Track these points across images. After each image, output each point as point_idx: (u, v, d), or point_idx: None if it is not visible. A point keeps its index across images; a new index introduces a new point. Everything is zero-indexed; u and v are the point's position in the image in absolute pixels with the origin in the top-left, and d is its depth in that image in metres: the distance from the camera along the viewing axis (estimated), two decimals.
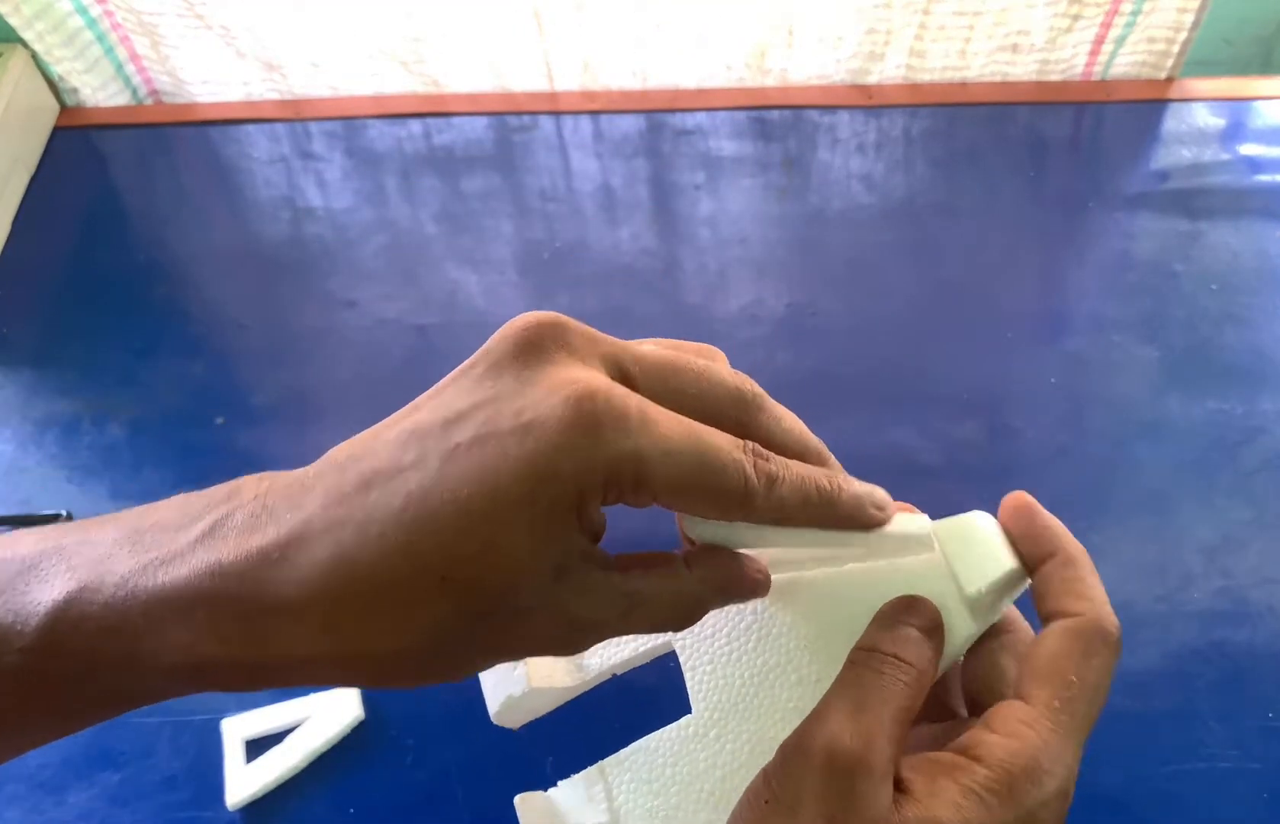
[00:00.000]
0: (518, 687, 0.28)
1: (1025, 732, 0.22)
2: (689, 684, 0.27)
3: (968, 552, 0.25)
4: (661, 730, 0.27)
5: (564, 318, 0.23)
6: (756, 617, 0.27)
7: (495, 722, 0.30)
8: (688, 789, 0.26)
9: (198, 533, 0.21)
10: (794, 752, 0.22)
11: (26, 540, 0.22)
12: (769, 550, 0.26)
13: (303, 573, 0.20)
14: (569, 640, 0.22)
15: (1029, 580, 0.25)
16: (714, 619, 0.28)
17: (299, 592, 0.20)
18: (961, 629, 0.25)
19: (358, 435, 0.22)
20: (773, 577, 0.26)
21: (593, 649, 0.27)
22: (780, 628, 0.26)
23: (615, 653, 0.29)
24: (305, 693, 0.42)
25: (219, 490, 0.22)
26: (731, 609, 0.27)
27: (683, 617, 0.24)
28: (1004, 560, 0.25)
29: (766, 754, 0.23)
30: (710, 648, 0.28)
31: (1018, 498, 0.26)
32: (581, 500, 0.20)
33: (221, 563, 0.20)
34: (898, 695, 0.23)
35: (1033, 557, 0.25)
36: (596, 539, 0.22)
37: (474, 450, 0.20)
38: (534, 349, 0.22)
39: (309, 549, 0.20)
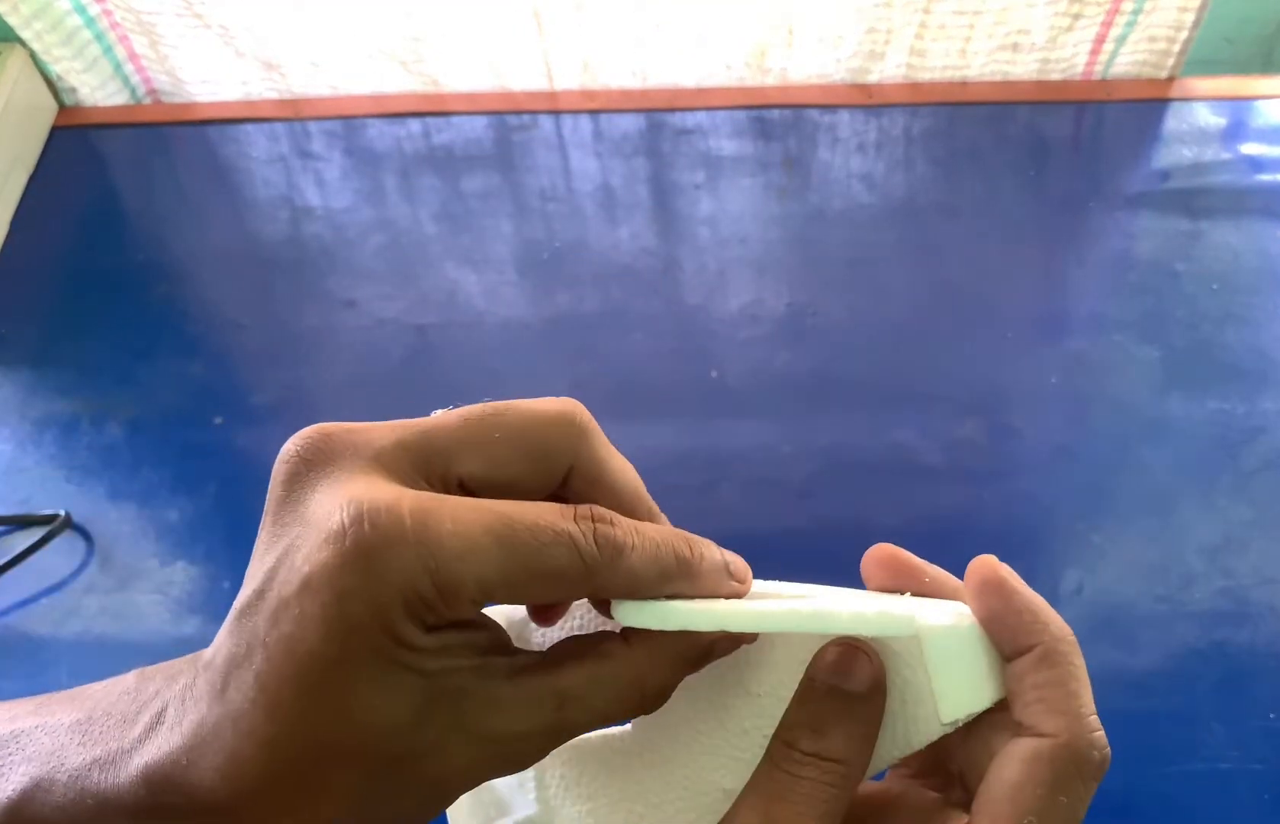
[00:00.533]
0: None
1: None
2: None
3: (951, 668, 0.21)
4: (598, 734, 0.25)
5: (327, 428, 0.21)
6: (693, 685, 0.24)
7: None
8: (615, 805, 0.24)
9: (140, 730, 0.19)
10: None
11: None
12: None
13: (209, 778, 0.18)
14: (503, 760, 0.20)
15: None
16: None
17: (213, 796, 0.18)
18: (926, 730, 0.21)
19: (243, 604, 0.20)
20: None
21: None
22: (734, 667, 0.23)
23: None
24: None
25: (169, 669, 0.20)
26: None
27: (634, 703, 0.21)
28: (988, 693, 0.21)
29: (697, 797, 0.22)
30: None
31: (987, 570, 0.21)
32: (394, 633, 0.18)
33: (153, 769, 0.19)
34: (820, 800, 0.20)
35: (1005, 647, 0.21)
36: (486, 648, 0.20)
37: (282, 622, 0.18)
38: (299, 480, 0.20)
39: (206, 752, 0.19)
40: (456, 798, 0.20)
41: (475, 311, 0.55)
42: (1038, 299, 0.55)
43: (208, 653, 0.20)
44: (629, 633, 0.21)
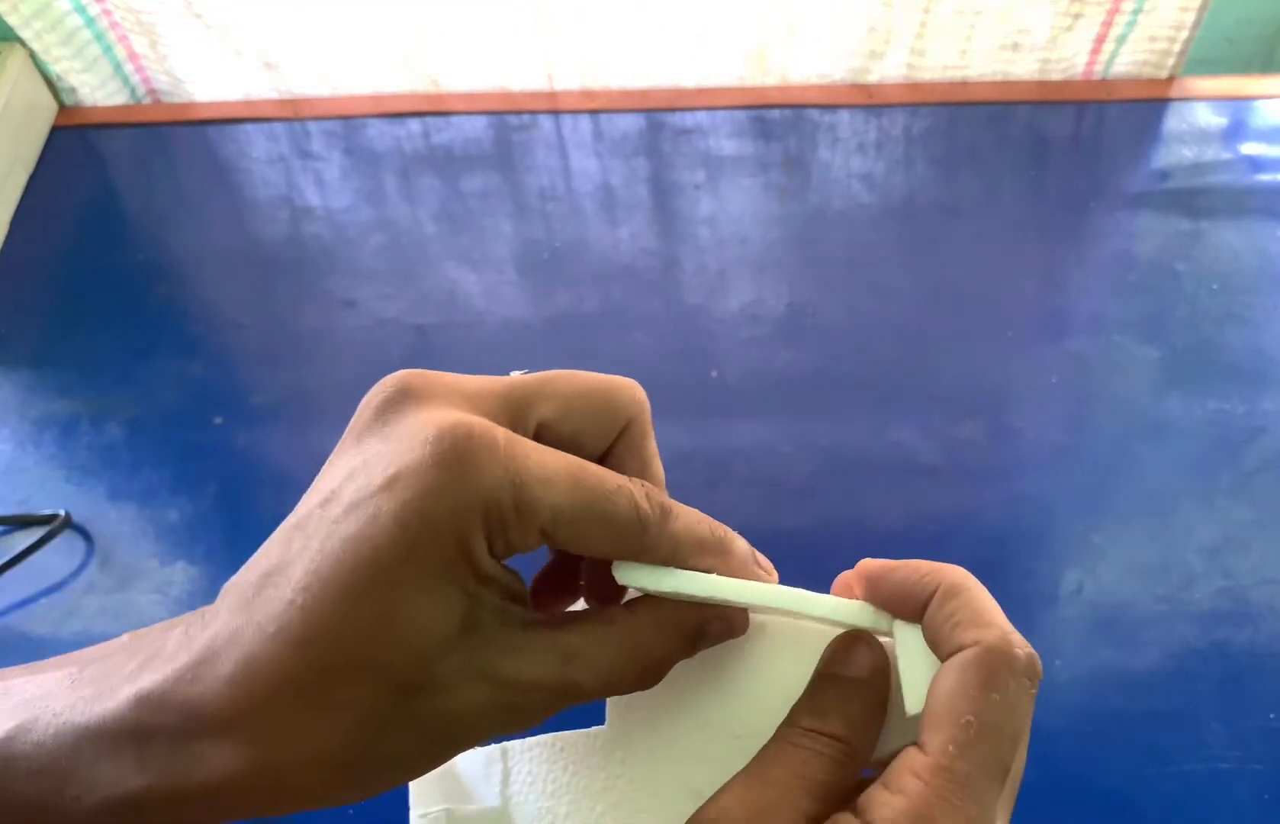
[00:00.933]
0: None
1: (914, 785, 0.19)
2: (610, 702, 0.25)
3: (913, 660, 0.22)
4: (571, 732, 0.25)
5: (425, 371, 0.22)
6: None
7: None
8: (579, 803, 0.25)
9: (133, 667, 0.20)
10: None
11: None
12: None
13: (215, 687, 0.19)
14: (510, 710, 0.20)
15: None
16: None
17: (215, 707, 0.18)
18: (896, 737, 0.22)
19: (277, 538, 0.21)
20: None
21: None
22: (722, 669, 0.24)
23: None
24: None
25: (167, 622, 0.21)
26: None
27: (637, 671, 0.22)
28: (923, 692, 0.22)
29: (667, 799, 0.22)
30: None
31: (860, 567, 0.23)
32: (465, 545, 0.19)
33: (147, 692, 0.19)
34: (815, 769, 0.20)
35: (913, 612, 0.22)
36: (510, 595, 0.21)
37: (349, 520, 0.19)
38: (394, 405, 0.21)
39: (217, 663, 0.19)
40: (453, 751, 0.21)
41: (475, 311, 0.55)
42: (1038, 299, 0.55)
43: (231, 579, 0.20)
44: (631, 605, 0.22)
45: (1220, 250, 0.56)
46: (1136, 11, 0.62)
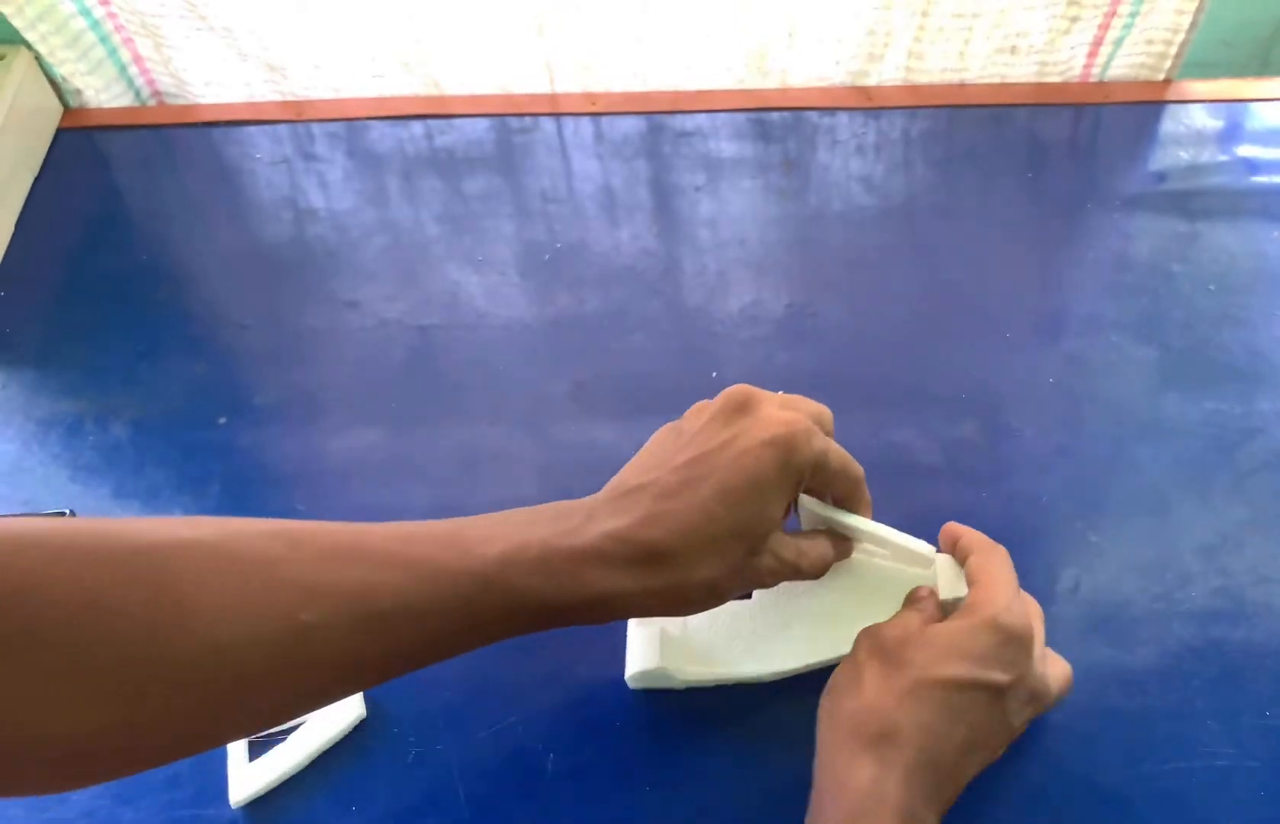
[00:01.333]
0: (652, 661, 0.40)
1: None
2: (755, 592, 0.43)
3: (945, 575, 0.39)
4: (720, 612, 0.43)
5: (754, 389, 0.37)
6: None
7: (628, 682, 0.42)
8: (731, 626, 0.43)
9: (579, 520, 0.33)
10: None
11: (439, 526, 0.33)
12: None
13: (664, 536, 0.33)
14: (772, 574, 0.36)
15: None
16: None
17: (663, 545, 0.33)
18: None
19: (639, 465, 0.36)
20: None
21: (701, 669, 0.42)
22: (828, 583, 0.42)
23: (708, 671, 0.42)
24: None
25: (569, 503, 0.35)
26: None
27: (820, 569, 0.38)
28: (961, 590, 0.38)
29: (779, 637, 0.42)
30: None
31: (946, 530, 0.41)
32: (795, 481, 0.35)
33: (613, 533, 0.33)
34: (925, 616, 0.37)
35: (957, 553, 0.39)
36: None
37: (746, 458, 0.34)
38: (749, 402, 0.36)
39: (663, 525, 0.33)
40: (747, 591, 0.39)
41: (477, 312, 0.56)
42: (1036, 300, 0.55)
43: (649, 479, 0.34)
44: (820, 533, 0.39)
45: (1216, 252, 0.56)
46: (1133, 15, 0.62)
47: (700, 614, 0.41)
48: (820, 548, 0.38)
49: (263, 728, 0.32)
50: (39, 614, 0.26)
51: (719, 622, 0.43)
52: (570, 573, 0.32)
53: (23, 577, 0.26)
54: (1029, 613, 0.36)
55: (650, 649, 0.41)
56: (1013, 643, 0.34)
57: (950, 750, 0.33)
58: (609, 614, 0.34)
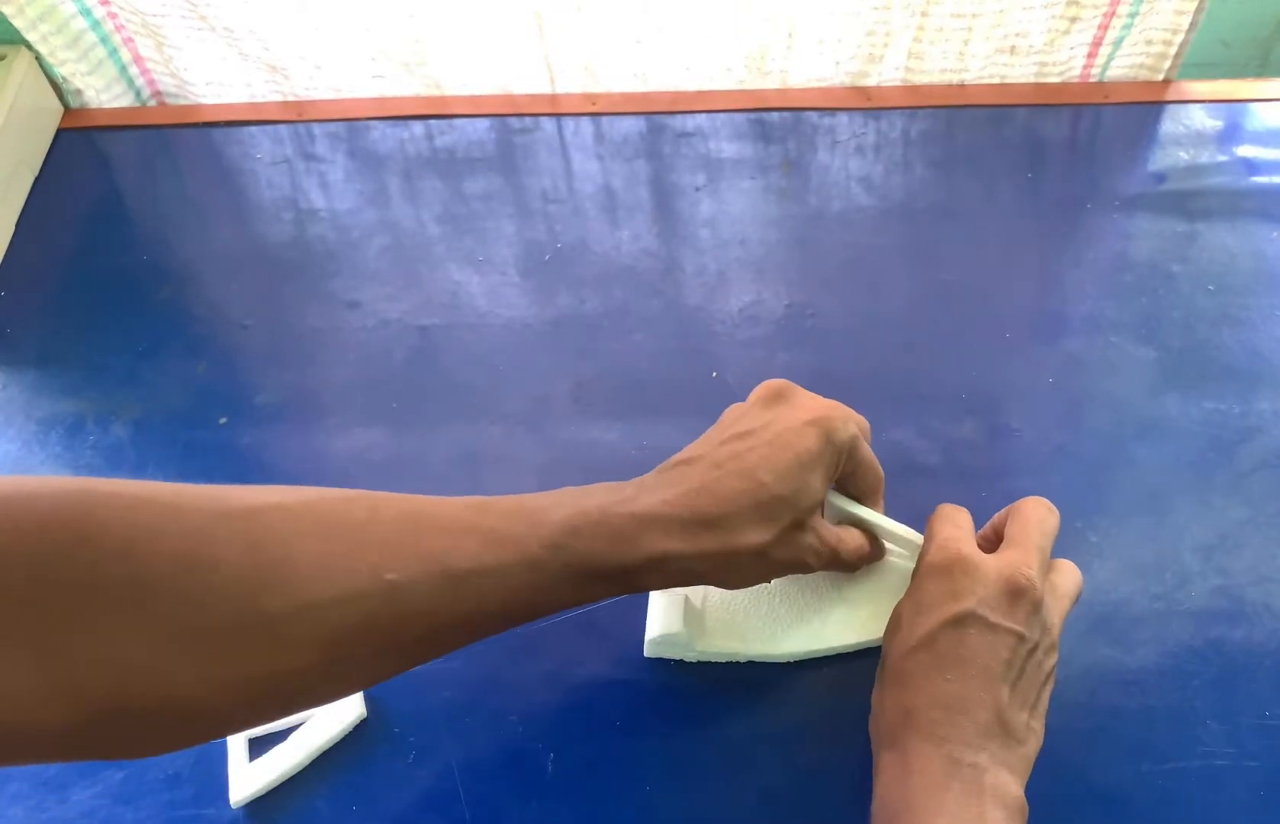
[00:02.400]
0: (672, 626, 0.41)
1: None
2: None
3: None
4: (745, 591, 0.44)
5: (790, 383, 0.39)
6: None
7: (646, 649, 0.43)
8: (750, 600, 0.44)
9: (632, 491, 0.35)
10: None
11: (502, 500, 0.34)
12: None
13: (715, 503, 0.35)
14: (813, 554, 0.38)
15: None
16: None
17: (715, 512, 0.35)
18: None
19: (687, 450, 0.38)
20: None
21: (717, 642, 0.43)
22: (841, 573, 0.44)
23: (724, 645, 0.43)
24: None
25: (618, 482, 0.36)
26: None
27: (858, 561, 0.41)
28: None
29: (799, 616, 0.43)
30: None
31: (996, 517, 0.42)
32: (835, 462, 0.37)
33: (669, 500, 0.35)
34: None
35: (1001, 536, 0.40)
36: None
37: (789, 435, 0.36)
38: (786, 392, 0.39)
39: (711, 490, 0.35)
40: (786, 569, 0.38)
41: (478, 312, 0.56)
42: (1035, 300, 0.55)
43: (697, 453, 0.37)
44: (856, 529, 0.41)
45: (1216, 252, 0.56)
46: (1133, 15, 0.62)
47: (721, 591, 0.44)
48: (858, 539, 0.40)
49: (352, 689, 0.35)
50: (150, 565, 0.27)
51: (739, 599, 0.44)
52: (630, 536, 0.34)
53: (134, 530, 0.27)
54: (954, 538, 0.37)
55: (671, 616, 0.42)
56: (945, 574, 0.36)
57: (971, 690, 0.34)
58: (665, 577, 0.36)
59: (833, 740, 0.41)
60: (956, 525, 0.38)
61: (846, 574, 0.44)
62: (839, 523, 0.42)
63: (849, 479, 0.40)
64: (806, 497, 0.36)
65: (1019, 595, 0.35)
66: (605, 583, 0.35)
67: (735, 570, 0.36)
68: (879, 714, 0.36)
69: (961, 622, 0.35)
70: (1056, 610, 0.37)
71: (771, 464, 0.35)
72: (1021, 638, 0.35)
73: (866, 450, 0.39)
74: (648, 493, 0.35)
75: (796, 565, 0.38)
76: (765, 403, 0.38)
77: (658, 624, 0.42)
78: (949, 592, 0.36)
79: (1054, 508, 0.39)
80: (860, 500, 0.41)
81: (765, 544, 0.35)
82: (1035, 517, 0.38)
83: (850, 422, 0.38)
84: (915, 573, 0.38)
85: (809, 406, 0.37)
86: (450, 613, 0.32)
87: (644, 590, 0.36)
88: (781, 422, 0.37)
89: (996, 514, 0.41)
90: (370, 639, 0.31)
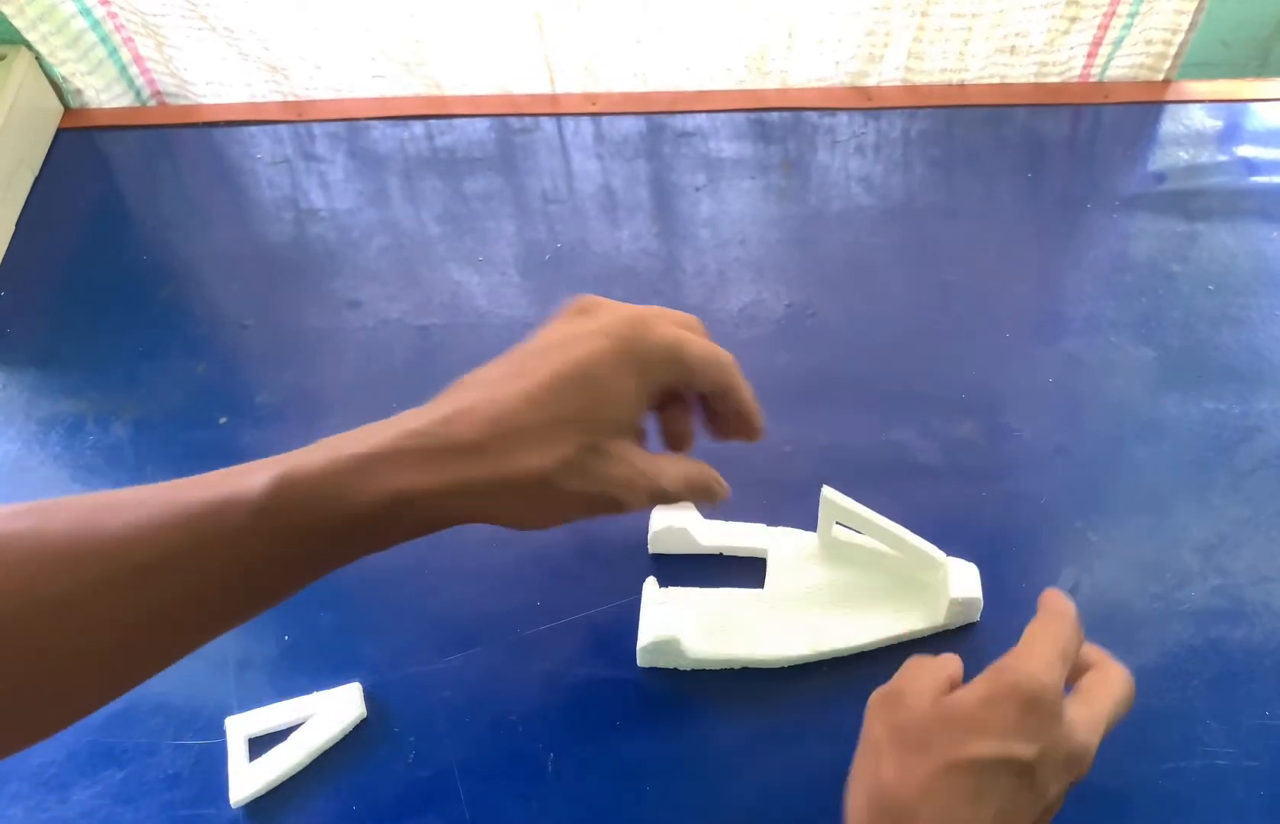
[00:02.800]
0: (665, 632, 0.41)
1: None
2: (769, 576, 0.44)
3: (955, 578, 0.42)
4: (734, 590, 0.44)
5: (601, 298, 0.34)
6: (824, 558, 0.45)
7: (638, 658, 0.42)
8: (739, 603, 0.44)
9: (382, 424, 0.30)
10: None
11: (210, 475, 0.29)
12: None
13: (474, 426, 0.29)
14: (630, 488, 0.32)
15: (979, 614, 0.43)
16: (799, 545, 0.45)
17: (473, 435, 0.29)
18: (932, 616, 0.43)
19: (474, 373, 0.32)
20: (841, 537, 0.44)
21: (711, 532, 0.45)
22: (834, 569, 0.44)
23: (728, 538, 0.45)
24: (308, 692, 0.42)
25: (372, 424, 0.31)
26: (811, 545, 0.45)
27: (689, 491, 0.35)
28: (974, 589, 0.43)
29: (794, 619, 0.43)
30: (793, 552, 0.45)
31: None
32: (644, 373, 0.32)
33: (413, 430, 0.29)
34: (938, 681, 0.33)
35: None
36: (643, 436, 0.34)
37: (578, 346, 0.31)
38: (593, 304, 0.33)
39: (476, 413, 0.30)
40: (594, 508, 0.32)
41: (478, 312, 0.56)
42: (1035, 300, 0.55)
43: (468, 376, 0.32)
44: (683, 456, 0.36)
45: (1216, 252, 0.56)
46: (1132, 15, 0.62)
47: (713, 595, 0.43)
48: (683, 467, 0.34)
49: (51, 729, 0.29)
50: None
51: (733, 604, 0.43)
52: (360, 476, 0.28)
53: None
54: (1052, 671, 0.31)
55: (664, 621, 0.41)
56: (1035, 710, 0.30)
57: None
58: (416, 524, 0.30)
59: (832, 740, 0.40)
60: (1060, 652, 0.32)
61: (842, 578, 0.44)
62: (833, 521, 0.42)
63: (689, 383, 0.34)
64: (601, 414, 0.31)
65: (1076, 767, 0.31)
66: (335, 542, 0.29)
67: (518, 506, 0.31)
68: (877, 784, 0.31)
69: (1027, 768, 0.30)
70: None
71: (554, 380, 0.30)
72: (1050, 807, 0.31)
73: (698, 347, 0.33)
74: (390, 426, 0.30)
75: (603, 500, 0.32)
76: (568, 318, 0.33)
77: (649, 630, 0.42)
78: (1028, 730, 0.30)
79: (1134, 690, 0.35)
80: (712, 401, 0.36)
81: (547, 470, 0.30)
82: (1127, 694, 0.35)
83: (664, 321, 0.33)
84: (992, 672, 0.31)
85: (612, 317, 0.32)
86: (142, 613, 0.27)
87: (397, 542, 0.30)
88: (574, 334, 0.32)
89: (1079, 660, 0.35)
90: (44, 666, 0.26)
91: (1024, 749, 0.29)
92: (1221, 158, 0.61)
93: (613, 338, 0.31)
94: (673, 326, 0.33)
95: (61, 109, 0.66)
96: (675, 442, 0.36)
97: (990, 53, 0.64)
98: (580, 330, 0.31)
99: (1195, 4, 0.61)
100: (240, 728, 0.41)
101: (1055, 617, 0.33)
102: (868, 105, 0.64)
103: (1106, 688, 0.34)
